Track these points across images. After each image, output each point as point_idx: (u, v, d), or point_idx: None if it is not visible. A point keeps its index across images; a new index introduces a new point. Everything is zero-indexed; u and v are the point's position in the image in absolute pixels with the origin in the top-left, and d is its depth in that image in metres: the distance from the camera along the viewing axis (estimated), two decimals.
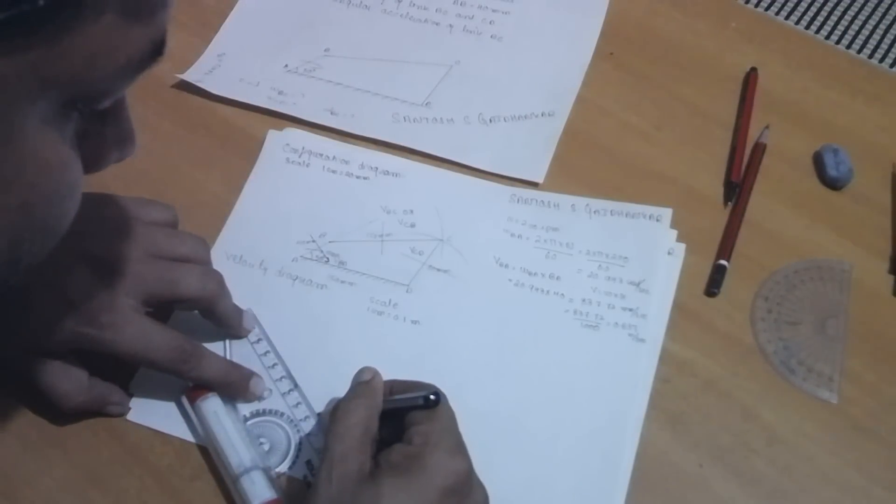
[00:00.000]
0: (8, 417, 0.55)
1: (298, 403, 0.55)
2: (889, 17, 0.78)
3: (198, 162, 0.67)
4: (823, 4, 0.78)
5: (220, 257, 0.62)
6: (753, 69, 0.70)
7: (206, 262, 0.57)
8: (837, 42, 0.76)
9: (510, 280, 0.61)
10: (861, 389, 0.57)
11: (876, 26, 0.77)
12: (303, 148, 0.67)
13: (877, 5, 0.79)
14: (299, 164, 0.66)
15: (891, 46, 0.76)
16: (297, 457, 0.54)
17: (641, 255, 0.61)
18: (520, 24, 0.74)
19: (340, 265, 0.61)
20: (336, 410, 0.50)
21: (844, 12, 0.78)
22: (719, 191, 0.65)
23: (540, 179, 0.65)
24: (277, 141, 0.67)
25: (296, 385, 0.56)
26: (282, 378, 0.56)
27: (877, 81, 0.71)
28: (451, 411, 0.50)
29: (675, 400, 0.56)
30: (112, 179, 0.65)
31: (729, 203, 0.64)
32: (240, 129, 0.68)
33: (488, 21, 0.75)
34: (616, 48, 0.72)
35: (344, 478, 0.46)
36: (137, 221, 0.55)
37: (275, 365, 0.57)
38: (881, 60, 0.75)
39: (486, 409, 0.56)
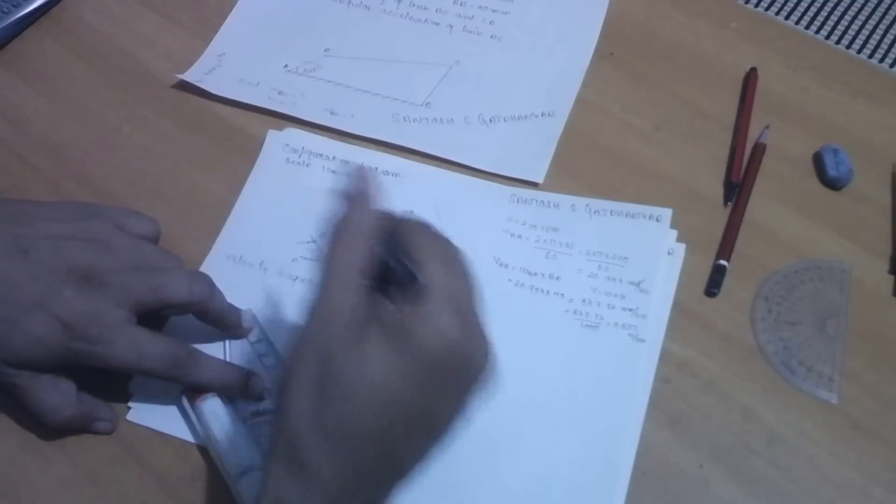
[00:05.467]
0: (8, 417, 0.55)
1: None
2: (889, 17, 0.78)
3: (198, 162, 0.67)
4: (823, 4, 0.78)
5: (220, 257, 0.62)
6: (753, 69, 0.70)
7: None
8: (837, 42, 0.76)
9: (510, 280, 0.61)
10: (861, 389, 0.57)
11: (876, 26, 0.77)
12: (303, 148, 0.67)
13: (877, 5, 0.79)
14: (299, 164, 0.66)
15: (891, 46, 0.76)
16: None
17: (641, 255, 0.61)
18: (520, 24, 0.74)
19: None
20: (334, 235, 0.44)
21: (844, 12, 0.78)
22: (719, 191, 0.65)
23: (540, 179, 0.65)
24: (277, 141, 0.67)
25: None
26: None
27: (877, 81, 0.71)
28: (460, 272, 0.44)
29: (675, 400, 0.56)
30: (112, 179, 0.65)
31: (729, 203, 0.64)
32: (240, 129, 0.68)
33: (488, 21, 0.75)
34: (616, 48, 0.72)
35: (334, 319, 0.41)
36: (123, 234, 0.55)
37: (275, 365, 0.57)
38: (881, 60, 0.75)
39: (485, 408, 0.55)
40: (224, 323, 0.56)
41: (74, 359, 0.52)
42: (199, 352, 0.54)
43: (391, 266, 0.43)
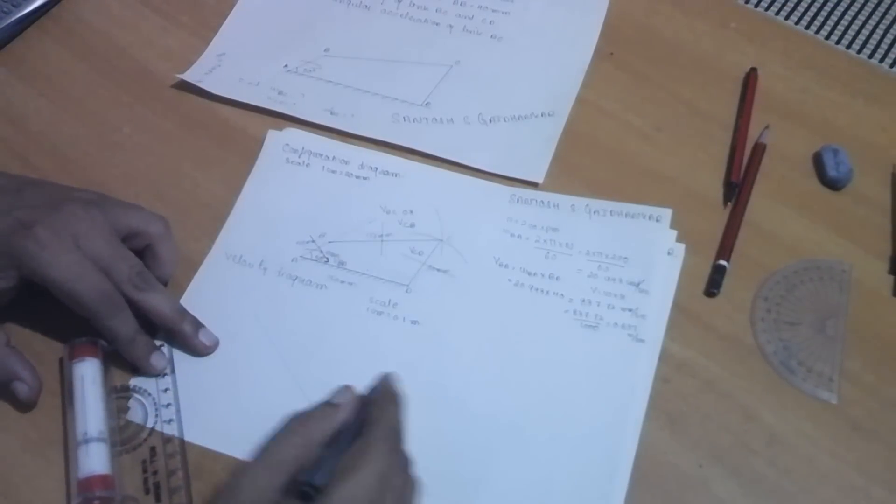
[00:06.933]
0: (8, 417, 0.55)
1: (167, 389, 0.56)
2: (889, 17, 0.78)
3: (198, 162, 0.67)
4: (823, 4, 0.78)
5: (220, 257, 0.62)
6: (753, 69, 0.70)
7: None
8: (837, 42, 0.76)
9: (510, 280, 0.61)
10: (861, 389, 0.57)
11: (876, 26, 0.77)
12: (302, 148, 0.67)
13: (877, 5, 0.79)
14: (299, 164, 0.66)
15: (891, 46, 0.76)
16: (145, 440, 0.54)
17: (641, 255, 0.61)
18: (520, 24, 0.74)
19: (340, 265, 0.61)
20: (293, 417, 0.47)
21: (844, 12, 0.78)
22: (719, 191, 0.65)
23: (540, 180, 0.65)
24: (277, 141, 0.67)
25: (173, 371, 0.56)
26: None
27: (877, 81, 0.71)
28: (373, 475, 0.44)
29: (675, 400, 0.56)
30: (112, 179, 0.65)
31: (729, 203, 0.64)
32: (240, 129, 0.68)
33: (488, 21, 0.75)
34: (616, 48, 0.72)
35: (252, 490, 0.44)
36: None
37: (161, 346, 0.57)
38: (881, 60, 0.75)
39: (485, 408, 0.56)
40: (168, 261, 0.58)
41: (16, 260, 0.53)
42: (128, 308, 0.55)
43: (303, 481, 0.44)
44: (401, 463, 0.47)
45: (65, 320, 0.58)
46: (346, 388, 0.49)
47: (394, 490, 0.45)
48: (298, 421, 0.47)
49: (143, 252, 0.57)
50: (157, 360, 0.56)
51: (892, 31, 0.77)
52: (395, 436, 0.47)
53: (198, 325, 0.57)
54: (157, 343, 0.57)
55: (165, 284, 0.58)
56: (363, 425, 0.47)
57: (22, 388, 0.54)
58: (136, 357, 0.55)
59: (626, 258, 0.61)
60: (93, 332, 0.55)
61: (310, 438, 0.46)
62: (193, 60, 0.72)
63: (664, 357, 0.57)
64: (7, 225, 0.53)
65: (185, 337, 0.57)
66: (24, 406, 0.55)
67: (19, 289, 0.55)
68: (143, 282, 0.55)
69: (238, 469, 0.45)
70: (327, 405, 0.48)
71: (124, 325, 0.55)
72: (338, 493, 0.43)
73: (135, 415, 0.55)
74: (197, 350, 0.57)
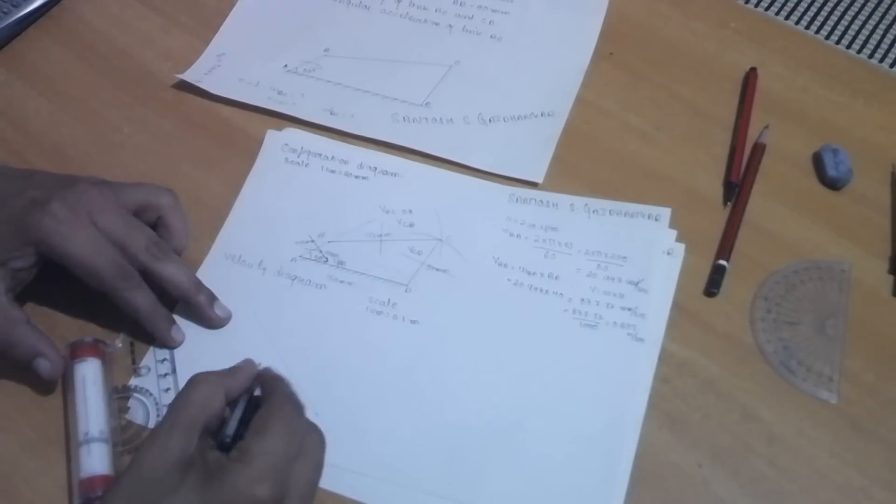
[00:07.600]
0: (8, 417, 0.55)
1: (168, 389, 0.56)
2: (889, 17, 0.78)
3: (197, 162, 0.67)
4: (823, 4, 0.78)
5: (219, 257, 0.62)
6: (753, 69, 0.70)
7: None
8: (837, 42, 0.76)
9: (509, 280, 0.61)
10: (861, 389, 0.57)
11: (876, 26, 0.77)
12: (302, 148, 0.67)
13: (877, 5, 0.79)
14: (298, 163, 0.66)
15: (891, 46, 0.76)
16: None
17: (640, 254, 0.61)
18: (519, 24, 0.74)
19: (339, 265, 0.61)
20: (190, 378, 0.49)
21: (844, 12, 0.78)
22: (719, 191, 0.65)
23: (539, 179, 0.65)
24: (277, 141, 0.67)
25: (174, 371, 0.56)
26: (164, 360, 0.57)
27: (877, 81, 0.71)
28: (287, 432, 0.47)
29: (675, 400, 0.56)
30: (112, 179, 0.65)
31: (728, 203, 0.64)
32: (239, 129, 0.68)
33: (488, 21, 0.75)
34: (616, 48, 0.72)
35: (162, 453, 0.45)
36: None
37: (163, 346, 0.57)
38: (881, 60, 0.75)
39: (484, 408, 0.56)
40: (179, 232, 0.58)
41: (34, 237, 0.53)
42: (143, 281, 0.55)
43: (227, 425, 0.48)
44: (305, 424, 0.49)
45: (66, 320, 0.58)
46: (248, 359, 0.52)
47: (303, 445, 0.47)
48: (204, 374, 0.49)
49: (155, 225, 0.58)
50: (176, 333, 0.57)
51: (892, 31, 0.78)
52: (295, 402, 0.49)
53: (212, 297, 0.58)
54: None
55: (179, 256, 0.58)
56: (262, 397, 0.49)
57: (45, 365, 0.54)
58: (158, 328, 0.56)
59: (625, 257, 0.61)
60: (97, 331, 0.56)
61: (216, 387, 0.48)
62: (193, 60, 0.72)
63: (664, 357, 0.57)
64: (21, 204, 0.54)
65: (201, 308, 0.58)
66: (46, 384, 0.55)
67: (38, 268, 0.55)
68: (160, 251, 0.56)
69: (163, 418, 0.47)
70: (229, 368, 0.51)
71: (143, 297, 0.55)
72: (257, 447, 0.45)
73: (136, 415, 0.55)
74: (211, 321, 0.58)
